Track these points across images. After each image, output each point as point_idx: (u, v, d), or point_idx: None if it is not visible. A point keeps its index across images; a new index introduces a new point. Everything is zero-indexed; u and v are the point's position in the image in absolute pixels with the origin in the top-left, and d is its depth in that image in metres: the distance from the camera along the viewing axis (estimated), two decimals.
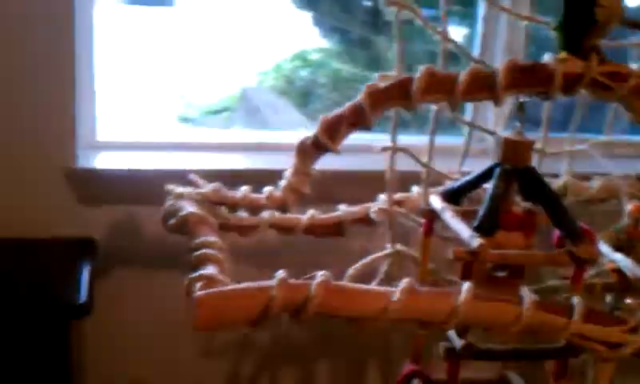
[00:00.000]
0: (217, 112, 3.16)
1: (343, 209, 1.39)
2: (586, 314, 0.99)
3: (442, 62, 1.27)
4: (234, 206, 1.25)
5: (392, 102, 1.16)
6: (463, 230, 1.11)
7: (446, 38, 1.27)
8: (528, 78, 1.14)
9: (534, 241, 1.16)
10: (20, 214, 1.46)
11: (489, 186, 1.15)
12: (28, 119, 1.44)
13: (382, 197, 1.39)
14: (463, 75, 1.12)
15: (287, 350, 1.70)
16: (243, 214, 1.26)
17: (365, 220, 1.40)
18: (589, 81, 1.14)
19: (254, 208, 1.27)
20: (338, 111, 1.17)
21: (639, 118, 1.19)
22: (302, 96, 2.45)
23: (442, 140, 1.39)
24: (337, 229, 1.39)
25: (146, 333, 1.58)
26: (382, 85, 1.15)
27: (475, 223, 1.10)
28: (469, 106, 1.58)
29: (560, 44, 1.14)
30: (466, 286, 0.96)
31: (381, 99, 1.15)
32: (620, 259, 1.21)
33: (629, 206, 1.28)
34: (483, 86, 1.13)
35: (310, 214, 1.34)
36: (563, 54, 1.11)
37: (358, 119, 1.16)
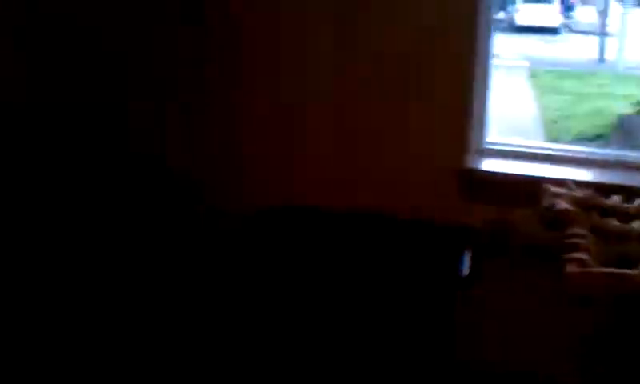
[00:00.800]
0: (590, 139, 3.24)
1: None
2: None
3: None
4: (603, 212, 1.39)
5: None
6: None
7: None
8: None
9: None
10: (417, 202, 1.79)
11: None
12: (427, 128, 1.78)
13: None
14: None
15: None
16: (614, 222, 1.39)
17: None
18: None
19: (623, 217, 1.39)
20: None
21: None
22: None
23: None
24: None
25: (511, 317, 1.79)
26: None
27: None
28: None
29: None
30: None
31: None
32: None
33: None
34: None
35: None
36: None
37: None
